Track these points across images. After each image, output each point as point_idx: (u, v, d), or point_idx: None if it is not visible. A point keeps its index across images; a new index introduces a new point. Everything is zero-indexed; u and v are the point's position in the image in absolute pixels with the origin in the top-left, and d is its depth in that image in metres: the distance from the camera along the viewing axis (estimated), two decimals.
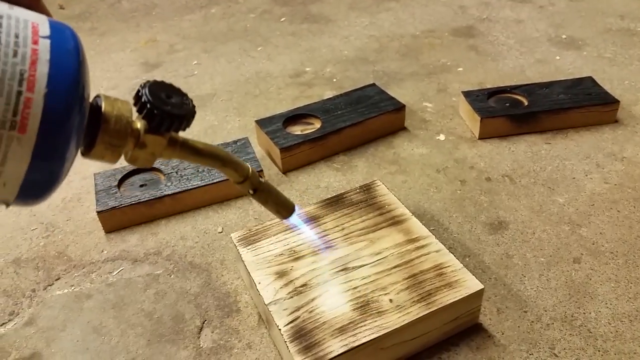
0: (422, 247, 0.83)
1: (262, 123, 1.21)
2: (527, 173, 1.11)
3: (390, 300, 0.75)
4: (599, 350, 0.76)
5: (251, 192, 0.66)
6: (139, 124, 0.50)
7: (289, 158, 1.14)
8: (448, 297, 0.75)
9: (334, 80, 1.50)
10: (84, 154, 0.49)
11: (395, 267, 0.80)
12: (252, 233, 0.88)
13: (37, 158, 0.40)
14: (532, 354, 0.76)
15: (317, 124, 1.22)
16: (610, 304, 0.83)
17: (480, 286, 0.76)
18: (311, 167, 1.17)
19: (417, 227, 0.87)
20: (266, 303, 0.76)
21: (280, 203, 0.69)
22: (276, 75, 1.55)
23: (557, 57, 1.55)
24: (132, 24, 1.97)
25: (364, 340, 0.70)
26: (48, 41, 0.40)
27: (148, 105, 0.48)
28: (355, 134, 1.21)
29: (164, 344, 0.81)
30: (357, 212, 0.91)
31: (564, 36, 1.66)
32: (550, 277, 0.88)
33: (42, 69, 0.39)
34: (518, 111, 1.21)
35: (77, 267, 0.96)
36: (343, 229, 0.88)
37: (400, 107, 1.24)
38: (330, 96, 1.33)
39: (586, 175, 1.09)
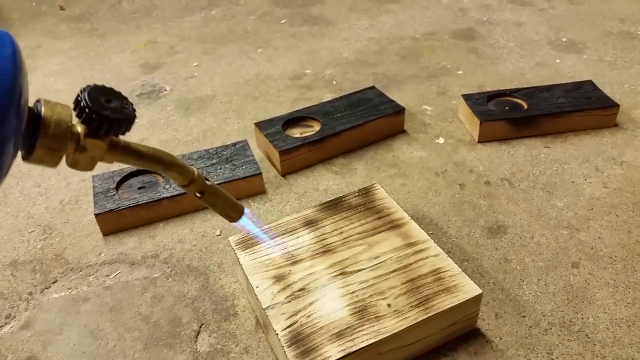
0: (421, 251, 0.83)
1: (261, 125, 1.21)
2: (527, 177, 1.11)
3: (388, 305, 0.75)
4: (597, 356, 0.76)
5: (198, 195, 0.65)
6: (80, 128, 0.50)
7: (288, 161, 1.14)
8: (446, 302, 0.74)
9: (334, 82, 1.50)
10: (24, 158, 0.49)
11: (393, 271, 0.80)
12: (250, 237, 0.88)
13: None
14: (530, 359, 0.76)
15: (317, 127, 1.21)
16: (609, 309, 0.82)
17: (479, 291, 0.76)
18: (310, 170, 1.16)
19: (416, 231, 0.87)
20: (264, 307, 0.76)
21: (228, 206, 0.69)
22: (276, 78, 1.55)
23: (557, 61, 1.54)
24: (132, 26, 1.97)
25: (361, 346, 0.70)
26: None
27: (86, 110, 0.49)
28: (354, 137, 1.20)
29: (161, 348, 0.81)
30: (356, 216, 0.91)
31: (564, 39, 1.66)
32: (548, 282, 0.87)
33: None
34: (518, 114, 1.21)
35: (75, 270, 0.96)
36: (341, 232, 0.87)
37: (399, 110, 1.24)
38: (330, 99, 1.33)
39: (585, 180, 1.09)
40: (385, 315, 0.73)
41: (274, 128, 1.20)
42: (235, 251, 0.85)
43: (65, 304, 0.89)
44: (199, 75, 1.59)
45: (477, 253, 0.93)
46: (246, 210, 0.71)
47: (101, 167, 1.21)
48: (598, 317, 0.81)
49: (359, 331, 0.72)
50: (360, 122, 1.20)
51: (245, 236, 0.88)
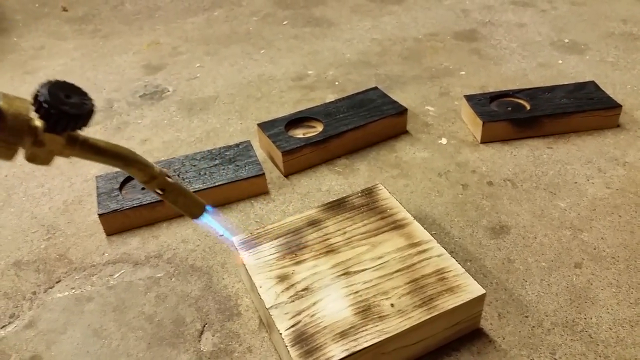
0: (424, 251, 0.83)
1: (264, 126, 1.21)
2: (529, 177, 1.11)
3: (392, 305, 0.75)
4: (600, 356, 0.76)
5: (159, 192, 0.65)
6: (38, 123, 0.51)
7: (290, 161, 1.14)
8: (449, 302, 0.75)
9: (336, 83, 1.51)
10: None
11: (396, 271, 0.80)
12: (253, 236, 0.88)
13: None
14: (533, 359, 0.76)
15: (319, 128, 1.22)
16: (612, 309, 0.82)
17: (482, 291, 0.76)
18: (313, 171, 1.17)
19: (419, 231, 0.87)
20: (267, 307, 0.76)
21: (190, 203, 0.69)
22: (278, 79, 1.55)
23: (560, 61, 1.55)
24: (135, 27, 1.97)
25: (365, 345, 0.70)
26: None
27: (45, 105, 0.49)
28: (357, 138, 1.21)
29: (165, 347, 0.81)
30: (359, 216, 0.91)
31: (566, 40, 1.66)
32: (551, 282, 0.87)
33: None
34: (520, 115, 1.21)
35: (78, 270, 0.96)
36: (345, 232, 0.88)
37: (402, 111, 1.24)
38: (333, 99, 1.33)
39: (588, 180, 1.09)
40: (389, 315, 0.73)
41: (276, 129, 1.20)
42: (239, 251, 0.85)
43: (69, 303, 0.90)
44: (201, 76, 1.59)
45: (480, 253, 0.94)
46: (208, 208, 0.72)
47: (105, 168, 1.21)
48: (601, 317, 0.81)
49: (363, 331, 0.72)
50: (363, 122, 1.20)
51: (248, 236, 0.88)
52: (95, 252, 0.99)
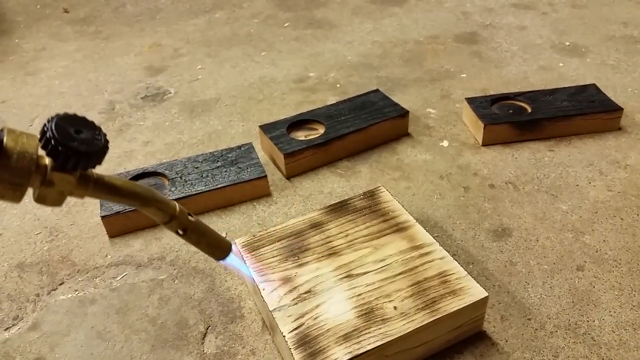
0: (426, 254, 0.83)
1: (265, 128, 1.21)
2: (531, 180, 1.11)
3: (395, 308, 0.75)
4: (603, 359, 0.76)
5: (180, 232, 0.60)
6: (47, 161, 0.47)
7: (292, 163, 1.14)
8: (452, 305, 0.75)
9: (338, 85, 1.51)
10: None
11: (399, 274, 0.80)
12: (256, 239, 0.88)
13: None
14: None
15: (321, 130, 1.22)
16: (614, 312, 0.83)
17: (485, 294, 0.76)
18: (315, 173, 1.17)
19: (421, 233, 0.87)
20: (270, 309, 0.76)
21: (213, 243, 0.63)
22: (280, 81, 1.55)
23: (561, 64, 1.55)
24: (137, 28, 1.98)
25: (368, 348, 0.70)
26: None
27: (52, 142, 0.45)
28: (358, 140, 1.21)
29: (168, 349, 0.81)
30: (361, 219, 0.91)
31: (567, 43, 1.66)
32: (553, 285, 0.88)
33: None
34: (521, 118, 1.21)
35: (81, 272, 0.96)
36: (347, 235, 0.88)
37: (403, 113, 1.25)
38: (334, 102, 1.33)
39: (589, 183, 1.09)
40: (392, 318, 0.74)
41: (278, 131, 1.20)
42: (242, 253, 0.86)
43: (72, 305, 0.90)
44: (203, 78, 1.59)
45: (483, 256, 0.94)
46: (233, 247, 0.67)
47: (107, 170, 1.22)
48: (604, 320, 0.82)
49: (366, 333, 0.72)
50: (365, 125, 1.21)
51: (251, 238, 0.88)
52: (98, 254, 1.00)
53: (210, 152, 1.17)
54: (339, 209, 0.93)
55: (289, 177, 1.16)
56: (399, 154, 1.21)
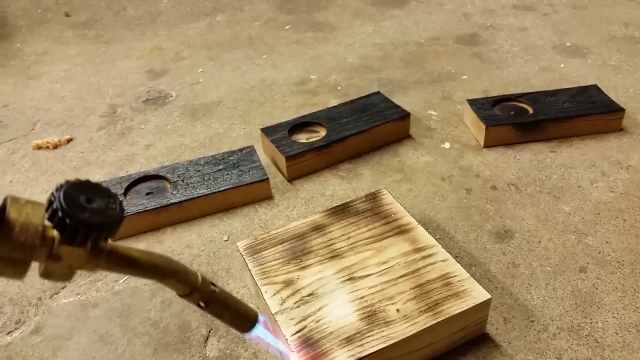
0: (429, 256, 0.83)
1: (267, 131, 1.21)
2: (533, 181, 1.11)
3: (397, 310, 0.75)
4: None
5: (202, 304, 0.54)
6: (54, 233, 0.41)
7: (294, 166, 1.14)
8: (455, 307, 0.75)
9: (339, 88, 1.51)
10: None
11: (401, 276, 0.80)
12: (258, 242, 0.88)
13: None
14: None
15: (322, 132, 1.22)
16: (617, 314, 0.82)
17: (488, 296, 0.76)
18: (316, 175, 1.17)
19: (423, 236, 0.87)
20: (273, 312, 0.76)
21: (239, 315, 0.57)
22: (281, 83, 1.55)
23: (562, 65, 1.55)
24: (138, 32, 1.98)
25: (371, 351, 0.70)
26: None
27: (59, 213, 0.40)
28: (360, 142, 1.21)
29: (171, 353, 0.81)
30: (363, 221, 0.91)
31: (568, 44, 1.66)
32: (556, 287, 0.87)
33: None
34: (523, 119, 1.21)
35: (83, 276, 0.96)
36: (349, 237, 0.88)
37: (405, 115, 1.25)
38: (335, 104, 1.33)
39: (592, 184, 1.09)
40: (395, 321, 0.73)
41: (280, 133, 1.20)
42: (244, 256, 0.86)
43: (75, 309, 0.90)
44: (204, 81, 1.60)
45: (485, 258, 0.94)
46: (260, 318, 0.60)
47: (109, 174, 1.22)
48: (607, 321, 0.81)
49: (369, 336, 0.72)
50: (366, 127, 1.21)
51: (253, 241, 0.88)
52: None
53: (212, 155, 1.17)
54: (341, 211, 0.93)
55: (290, 179, 1.16)
56: (401, 156, 1.21)
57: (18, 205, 0.40)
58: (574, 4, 1.94)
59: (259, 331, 0.59)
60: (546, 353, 0.77)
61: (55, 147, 1.32)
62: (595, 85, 1.32)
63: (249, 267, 0.84)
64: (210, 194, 1.06)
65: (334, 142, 1.17)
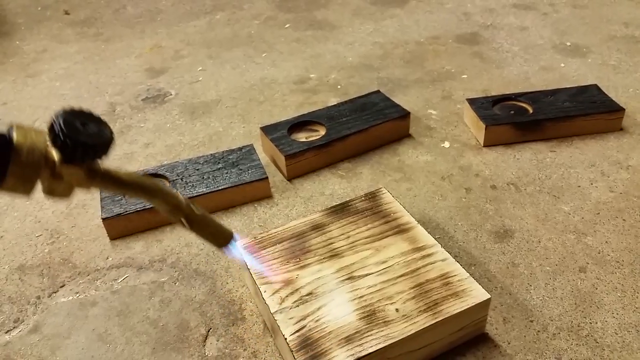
0: (428, 255, 0.83)
1: (266, 130, 1.21)
2: (533, 181, 1.11)
3: (397, 310, 0.75)
4: None
5: (185, 224, 0.63)
6: (55, 155, 0.49)
7: (294, 165, 1.14)
8: (455, 307, 0.74)
9: (339, 86, 1.51)
10: None
11: (401, 276, 0.80)
12: (257, 241, 0.88)
13: None
14: None
15: (322, 131, 1.22)
16: (617, 314, 0.82)
17: (487, 296, 0.76)
18: (316, 174, 1.17)
19: (423, 235, 0.87)
20: (272, 312, 0.76)
21: (217, 232, 0.67)
22: (281, 82, 1.55)
23: (562, 65, 1.55)
24: (137, 30, 1.98)
25: (370, 350, 0.70)
26: None
27: (60, 135, 0.47)
28: (359, 141, 1.21)
29: (169, 352, 0.81)
30: (363, 220, 0.91)
31: (568, 43, 1.66)
32: (556, 286, 0.87)
33: None
34: (523, 119, 1.21)
35: (82, 274, 0.96)
36: (348, 237, 0.88)
37: (405, 114, 1.24)
38: (335, 103, 1.33)
39: (591, 184, 1.09)
40: (394, 320, 0.73)
41: (279, 132, 1.20)
42: (243, 255, 0.85)
43: (73, 308, 0.90)
44: (204, 80, 1.59)
45: (484, 257, 0.93)
46: (236, 236, 0.70)
47: None
48: (606, 321, 0.81)
49: (368, 336, 0.72)
50: (366, 126, 1.20)
51: (252, 240, 0.88)
52: (99, 257, 0.99)
53: (211, 154, 1.17)
54: (340, 210, 0.93)
55: (290, 178, 1.16)
56: (400, 155, 1.21)
57: (23, 130, 0.46)
58: (574, 3, 1.94)
59: (234, 249, 0.70)
60: (545, 353, 0.77)
61: None
62: (595, 85, 1.32)
63: (248, 266, 0.83)
64: (210, 192, 1.06)
65: (334, 141, 1.17)
